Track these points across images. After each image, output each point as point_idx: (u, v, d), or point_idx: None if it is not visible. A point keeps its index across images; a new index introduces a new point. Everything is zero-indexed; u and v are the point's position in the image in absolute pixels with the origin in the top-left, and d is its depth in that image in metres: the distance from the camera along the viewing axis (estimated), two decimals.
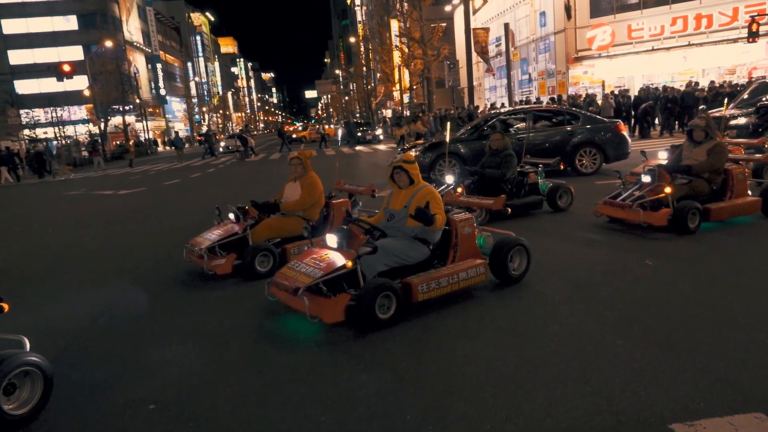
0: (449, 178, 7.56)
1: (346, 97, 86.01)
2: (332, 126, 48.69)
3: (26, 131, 50.29)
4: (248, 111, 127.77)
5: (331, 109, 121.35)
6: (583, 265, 5.18)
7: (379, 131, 34.03)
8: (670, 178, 6.16)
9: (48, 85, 49.07)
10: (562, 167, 8.47)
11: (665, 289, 4.41)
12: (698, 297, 4.21)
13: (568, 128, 11.42)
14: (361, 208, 6.60)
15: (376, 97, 54.45)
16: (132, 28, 66.59)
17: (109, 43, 43.96)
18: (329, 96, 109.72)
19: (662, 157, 7.20)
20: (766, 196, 6.30)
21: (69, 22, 59.09)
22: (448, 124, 9.51)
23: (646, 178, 6.25)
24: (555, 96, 26.04)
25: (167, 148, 59.77)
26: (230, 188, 14.86)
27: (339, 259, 3.97)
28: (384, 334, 3.84)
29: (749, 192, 6.45)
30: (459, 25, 41.22)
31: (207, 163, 26.51)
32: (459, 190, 7.31)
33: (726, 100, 10.16)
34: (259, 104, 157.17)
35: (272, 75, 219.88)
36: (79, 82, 45.06)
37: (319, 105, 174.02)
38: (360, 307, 3.80)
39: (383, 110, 50.90)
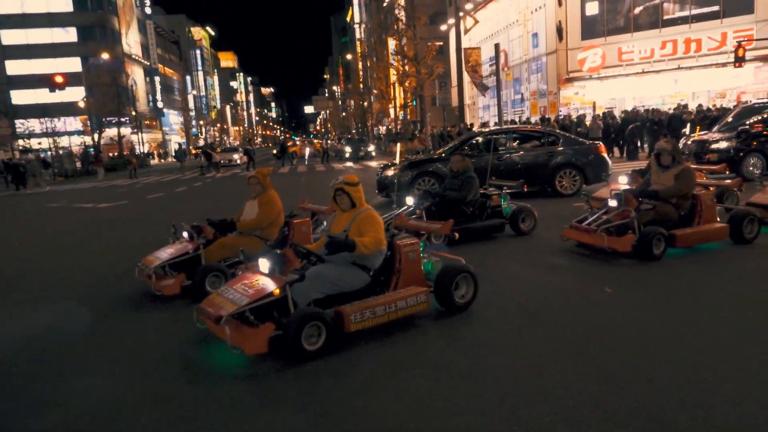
0: (409, 200, 7.42)
1: (344, 114, 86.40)
2: (330, 141, 48.53)
3: (20, 141, 50.29)
4: (246, 125, 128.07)
5: (329, 125, 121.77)
6: (541, 291, 5.04)
7: (371, 147, 34.03)
8: (636, 203, 5.99)
9: (44, 95, 48.95)
10: (525, 189, 8.33)
11: (620, 319, 4.27)
12: (652, 328, 4.07)
13: (548, 149, 11.36)
14: (325, 228, 6.45)
15: (372, 114, 54.67)
16: (131, 41, 67.00)
17: (105, 56, 44.15)
18: (327, 111, 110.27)
19: (623, 182, 7.10)
20: (734, 223, 6.19)
21: (68, 34, 59.46)
22: (399, 145, 9.41)
23: (612, 203, 6.10)
24: (545, 116, 26.10)
25: (162, 160, 59.78)
26: (213, 203, 14.71)
27: (269, 286, 3.79)
28: (312, 367, 3.67)
29: (718, 218, 6.34)
30: (454, 44, 41.61)
31: (195, 177, 26.40)
32: (417, 212, 7.17)
33: (689, 125, 10.09)
34: (257, 118, 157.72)
35: (272, 90, 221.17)
36: (76, 93, 45.09)
37: (318, 120, 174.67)
38: (285, 337, 3.60)
39: (379, 127, 51.04)
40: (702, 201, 6.12)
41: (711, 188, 6.76)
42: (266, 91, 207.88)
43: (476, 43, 38.63)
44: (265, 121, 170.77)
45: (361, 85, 61.27)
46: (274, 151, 38.73)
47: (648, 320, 4.24)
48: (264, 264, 3.92)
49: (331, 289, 4.04)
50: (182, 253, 5.50)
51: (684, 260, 5.79)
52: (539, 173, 11.11)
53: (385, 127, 45.56)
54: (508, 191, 7.91)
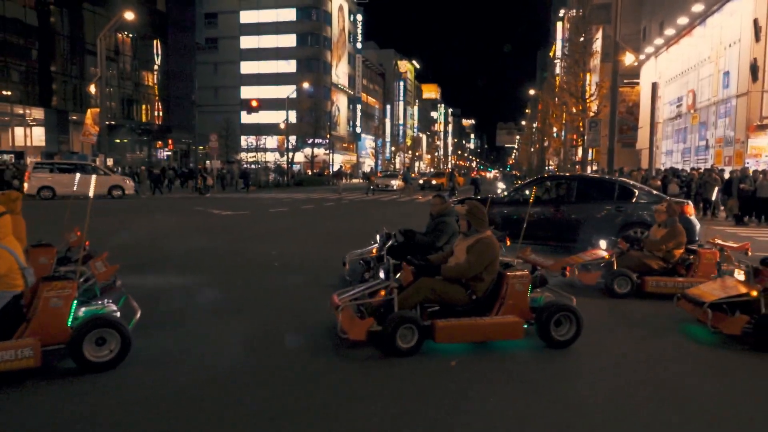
0: (378, 237, 7.43)
1: (532, 149, 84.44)
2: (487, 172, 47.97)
3: (243, 154, 60.03)
4: (438, 153, 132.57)
5: (521, 160, 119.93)
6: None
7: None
8: (411, 277, 4.69)
9: (261, 116, 57.93)
10: (508, 243, 7.46)
11: None
12: None
13: (619, 203, 10.12)
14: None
15: (548, 150, 52.74)
16: (340, 72, 75.22)
17: (306, 85, 50.46)
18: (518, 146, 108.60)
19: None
20: (540, 319, 4.69)
21: (290, 65, 69.32)
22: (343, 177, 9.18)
23: (381, 274, 4.87)
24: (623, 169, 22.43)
25: (353, 180, 65.31)
26: (331, 222, 16.03)
27: None
28: None
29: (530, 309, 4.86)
30: (644, 83, 38.14)
31: (360, 197, 28.66)
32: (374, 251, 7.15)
33: None
34: (452, 148, 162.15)
35: (473, 122, 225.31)
36: (290, 116, 52.16)
37: (514, 153, 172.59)
38: None
39: (551, 163, 48.93)
40: (509, 284, 4.76)
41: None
42: (467, 122, 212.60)
43: (665, 81, 34.92)
44: (460, 151, 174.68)
45: (547, 122, 59.41)
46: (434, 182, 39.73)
47: None
48: None
49: None
50: None
51: (444, 360, 4.39)
52: (603, 228, 9.94)
53: (554, 165, 43.51)
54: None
